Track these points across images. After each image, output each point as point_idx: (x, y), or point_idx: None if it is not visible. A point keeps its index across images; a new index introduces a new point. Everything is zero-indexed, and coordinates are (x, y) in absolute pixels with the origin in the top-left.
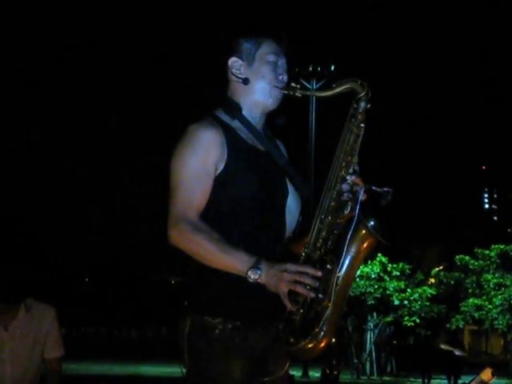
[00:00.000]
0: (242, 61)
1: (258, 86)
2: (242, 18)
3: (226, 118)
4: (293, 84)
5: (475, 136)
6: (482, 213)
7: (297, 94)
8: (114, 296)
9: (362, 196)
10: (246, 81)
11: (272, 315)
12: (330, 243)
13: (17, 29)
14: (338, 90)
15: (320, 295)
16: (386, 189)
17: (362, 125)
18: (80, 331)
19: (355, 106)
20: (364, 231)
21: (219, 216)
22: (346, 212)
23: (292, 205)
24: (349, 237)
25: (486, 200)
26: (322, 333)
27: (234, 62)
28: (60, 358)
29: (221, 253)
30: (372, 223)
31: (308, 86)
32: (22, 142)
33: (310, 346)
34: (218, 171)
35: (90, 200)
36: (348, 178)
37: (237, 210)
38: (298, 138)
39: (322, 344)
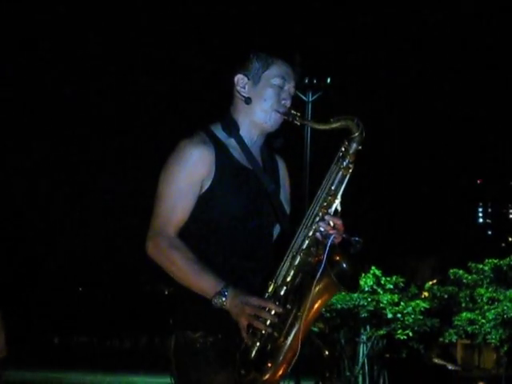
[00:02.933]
0: (248, 79)
1: (258, 107)
2: (244, 30)
3: (221, 134)
4: (293, 111)
5: (470, 150)
6: (477, 227)
7: (295, 122)
8: (107, 306)
9: (330, 242)
10: (247, 100)
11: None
12: (297, 280)
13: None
14: (334, 125)
15: (276, 333)
16: (356, 238)
17: (351, 165)
18: (73, 341)
19: (346, 146)
20: (328, 280)
21: (197, 235)
22: (318, 252)
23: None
24: (315, 282)
25: (481, 214)
26: (273, 369)
27: (240, 79)
28: (3, 359)
29: (191, 274)
30: (344, 266)
31: (304, 98)
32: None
33: (261, 379)
34: (204, 190)
35: (85, 211)
36: (327, 218)
37: (216, 231)
38: (293, 165)
39: (272, 380)
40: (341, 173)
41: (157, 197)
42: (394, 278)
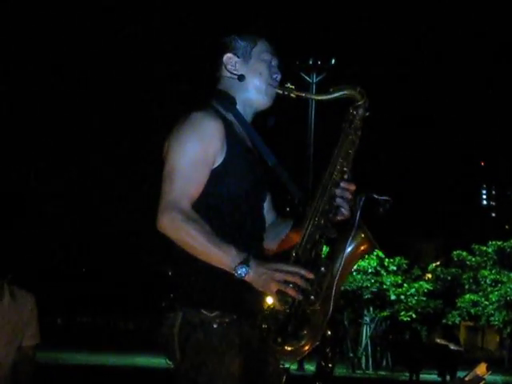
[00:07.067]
0: (238, 57)
1: (253, 83)
2: (233, 15)
3: (221, 110)
4: (288, 84)
5: (474, 132)
6: (480, 209)
7: (291, 95)
8: (112, 286)
9: (363, 201)
10: (241, 77)
11: (259, 309)
12: (319, 247)
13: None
14: (335, 95)
15: (312, 297)
16: (385, 198)
17: (359, 132)
18: (76, 321)
19: (354, 112)
20: (363, 236)
21: (208, 210)
22: (338, 217)
23: (266, 206)
24: (348, 241)
25: (484, 196)
26: (311, 335)
27: (229, 58)
28: (36, 345)
29: (211, 245)
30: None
31: (308, 79)
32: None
33: (296, 347)
34: (216, 165)
35: (90, 188)
36: (342, 184)
37: (227, 206)
38: (298, 141)
39: (308, 346)
40: (351, 138)
41: (169, 169)
42: (397, 260)
